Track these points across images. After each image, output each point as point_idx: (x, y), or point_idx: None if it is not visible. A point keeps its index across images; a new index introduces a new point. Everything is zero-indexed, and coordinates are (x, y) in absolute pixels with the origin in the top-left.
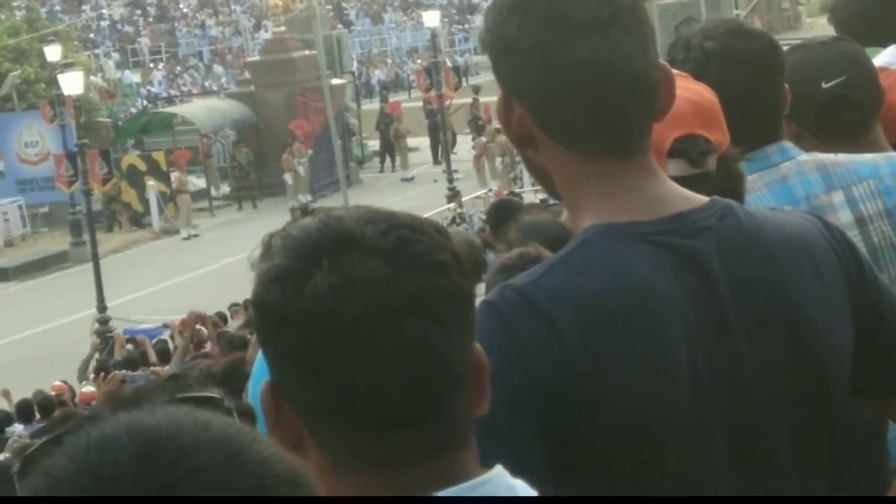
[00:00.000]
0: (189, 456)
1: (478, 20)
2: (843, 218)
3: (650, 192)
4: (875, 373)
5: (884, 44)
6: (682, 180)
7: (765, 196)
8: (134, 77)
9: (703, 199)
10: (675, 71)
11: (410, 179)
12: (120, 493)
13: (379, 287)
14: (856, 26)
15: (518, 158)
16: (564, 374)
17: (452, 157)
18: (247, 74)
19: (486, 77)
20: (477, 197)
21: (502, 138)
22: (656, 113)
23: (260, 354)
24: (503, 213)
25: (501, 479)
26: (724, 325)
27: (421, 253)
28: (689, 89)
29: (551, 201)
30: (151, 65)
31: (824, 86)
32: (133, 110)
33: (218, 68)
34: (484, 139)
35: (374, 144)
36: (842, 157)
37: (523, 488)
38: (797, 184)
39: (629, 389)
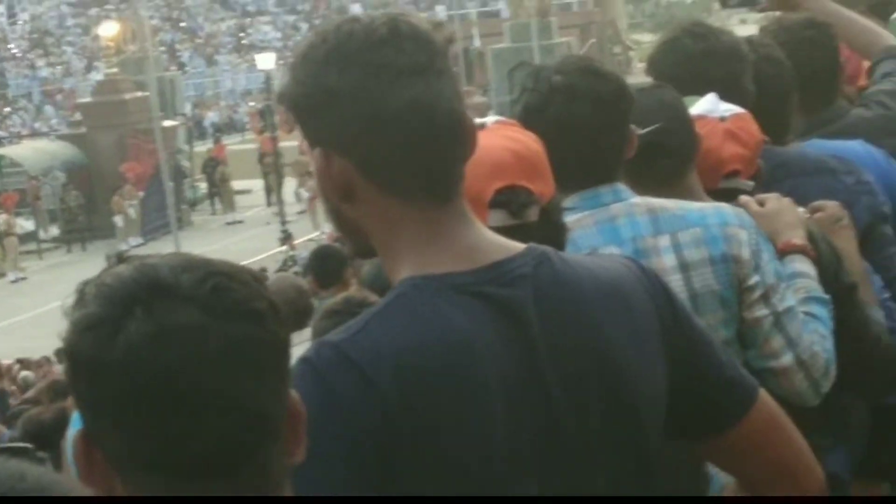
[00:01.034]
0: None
1: None
2: (668, 262)
3: (466, 240)
4: (689, 416)
5: (703, 93)
6: (502, 231)
7: (592, 234)
8: None
9: (520, 246)
10: (502, 119)
11: (239, 223)
12: None
13: (194, 336)
14: (674, 77)
15: None
16: (384, 432)
17: (286, 199)
18: (78, 116)
19: None
20: (310, 239)
21: None
22: (468, 157)
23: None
24: (324, 260)
25: None
26: (540, 376)
27: (237, 302)
28: (513, 139)
29: None
30: None
31: (640, 132)
32: None
33: (48, 109)
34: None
35: (205, 187)
36: (671, 203)
37: None
38: (625, 225)
39: (447, 446)
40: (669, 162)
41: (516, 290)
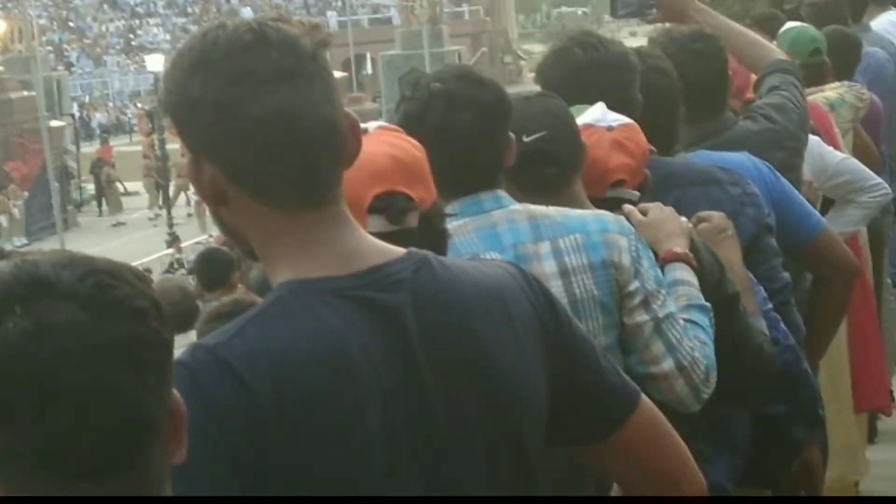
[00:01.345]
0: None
1: None
2: (548, 268)
3: (344, 244)
4: (571, 421)
5: (591, 103)
6: (382, 236)
7: (472, 240)
8: None
9: (400, 251)
10: (385, 125)
11: (124, 224)
12: None
13: (74, 334)
14: (563, 87)
15: None
16: (258, 434)
17: (175, 202)
18: None
19: None
20: (198, 242)
21: None
22: (346, 161)
23: None
24: (210, 263)
25: None
26: (418, 380)
27: (119, 300)
28: (393, 145)
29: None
30: None
31: (525, 139)
32: None
33: None
34: None
35: (92, 188)
36: (552, 210)
37: None
38: (506, 231)
39: (322, 448)
40: (555, 170)
41: (394, 294)
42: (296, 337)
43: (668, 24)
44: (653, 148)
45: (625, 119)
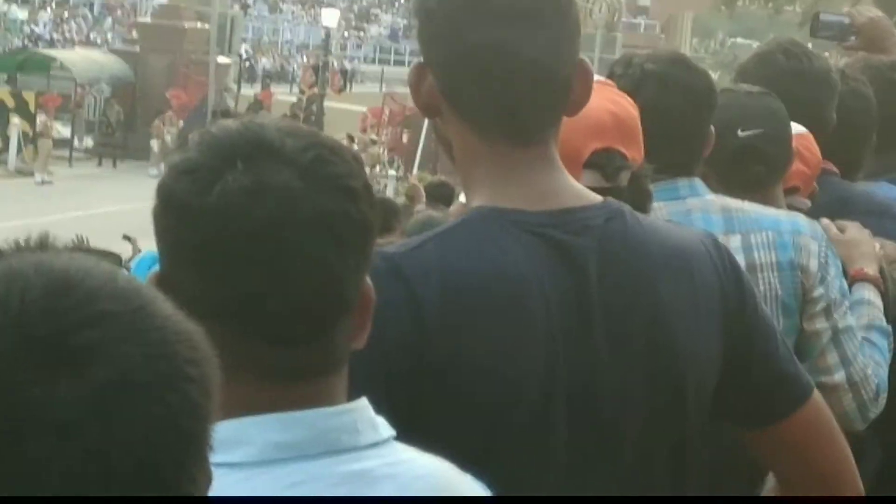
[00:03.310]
0: (98, 300)
1: (373, 30)
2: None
3: (543, 183)
4: (739, 402)
5: (786, 111)
6: (593, 191)
7: None
8: (20, 14)
9: (597, 198)
10: (603, 79)
11: None
12: (26, 327)
13: (288, 199)
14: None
15: (385, 172)
16: (419, 346)
17: None
18: (134, 34)
19: (373, 88)
20: None
21: (374, 150)
22: (566, 107)
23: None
24: (385, 208)
25: (365, 412)
26: (588, 325)
27: (335, 176)
28: (614, 101)
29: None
30: (40, 5)
31: (740, 134)
32: (13, 45)
33: (107, 22)
34: (356, 147)
35: None
36: (747, 205)
37: (384, 426)
38: (698, 220)
39: (479, 374)
40: (763, 169)
41: (581, 238)
42: (474, 260)
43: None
44: (835, 170)
45: (801, 128)
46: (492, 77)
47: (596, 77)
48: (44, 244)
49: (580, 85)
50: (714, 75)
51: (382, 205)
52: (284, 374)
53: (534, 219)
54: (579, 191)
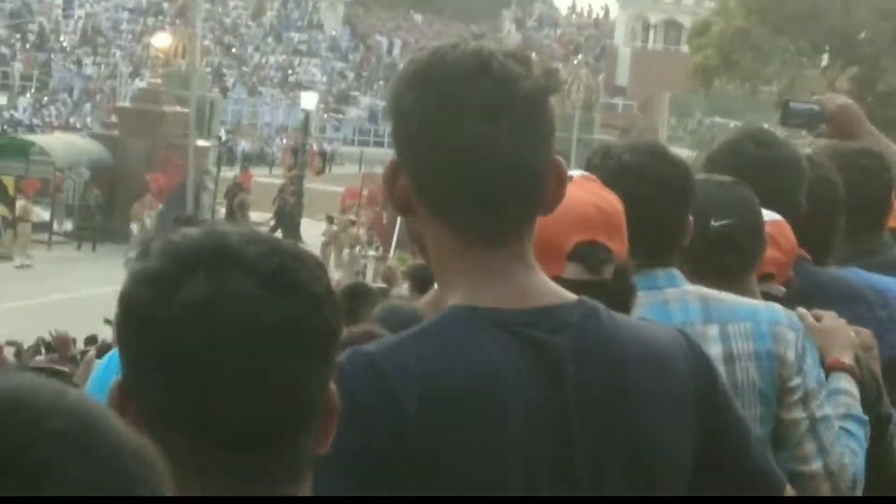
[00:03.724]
0: (46, 419)
1: (352, 112)
2: (714, 351)
3: (518, 282)
4: (709, 492)
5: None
6: (576, 285)
7: (644, 315)
8: (0, 99)
9: (571, 296)
10: (587, 175)
11: None
12: None
13: (251, 307)
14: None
15: (365, 253)
16: (398, 447)
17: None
18: (114, 118)
19: (352, 169)
20: None
21: (353, 231)
22: (540, 206)
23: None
24: (355, 297)
25: None
26: (566, 423)
27: (298, 282)
28: (598, 195)
29: (393, 290)
30: (20, 91)
31: (714, 224)
32: None
33: (86, 107)
34: (336, 228)
35: (224, 212)
36: (724, 295)
37: None
38: (676, 310)
39: (459, 475)
40: (737, 258)
41: (558, 337)
42: (452, 360)
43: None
44: (807, 255)
45: (775, 215)
46: (466, 178)
47: (579, 172)
48: None
49: (555, 183)
50: (692, 154)
51: (354, 290)
52: (248, 480)
53: (510, 317)
54: (554, 289)
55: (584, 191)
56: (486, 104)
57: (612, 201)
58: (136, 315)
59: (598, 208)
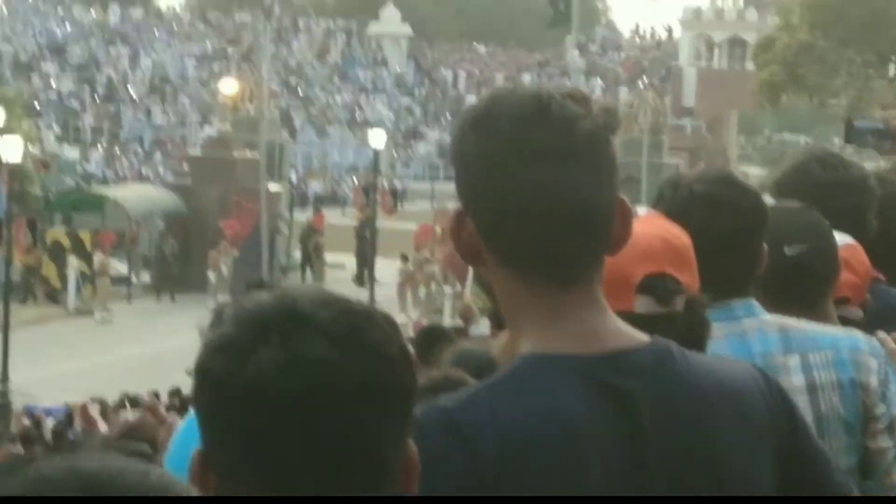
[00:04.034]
0: (131, 500)
1: (421, 148)
2: (796, 381)
3: (590, 324)
4: None
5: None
6: (647, 319)
7: (721, 346)
8: (72, 153)
9: (644, 337)
10: (650, 211)
11: None
12: None
13: (324, 371)
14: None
15: (442, 291)
16: (479, 501)
17: (379, 279)
18: (185, 167)
19: (424, 205)
20: None
21: (429, 268)
22: (607, 246)
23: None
24: (431, 340)
25: None
26: (644, 469)
27: (371, 343)
28: (664, 228)
29: (471, 329)
30: (91, 143)
31: (787, 252)
32: (66, 185)
33: (157, 156)
34: (411, 267)
35: (299, 254)
36: (804, 324)
37: None
38: (756, 340)
39: None
40: (812, 284)
41: (632, 380)
42: (527, 411)
43: None
44: (881, 276)
45: (847, 238)
46: (532, 221)
47: (644, 210)
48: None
49: (620, 223)
50: (763, 171)
51: (430, 333)
52: None
53: (583, 363)
54: (626, 331)
55: (649, 225)
56: (548, 146)
57: (678, 234)
58: (211, 384)
59: (664, 241)
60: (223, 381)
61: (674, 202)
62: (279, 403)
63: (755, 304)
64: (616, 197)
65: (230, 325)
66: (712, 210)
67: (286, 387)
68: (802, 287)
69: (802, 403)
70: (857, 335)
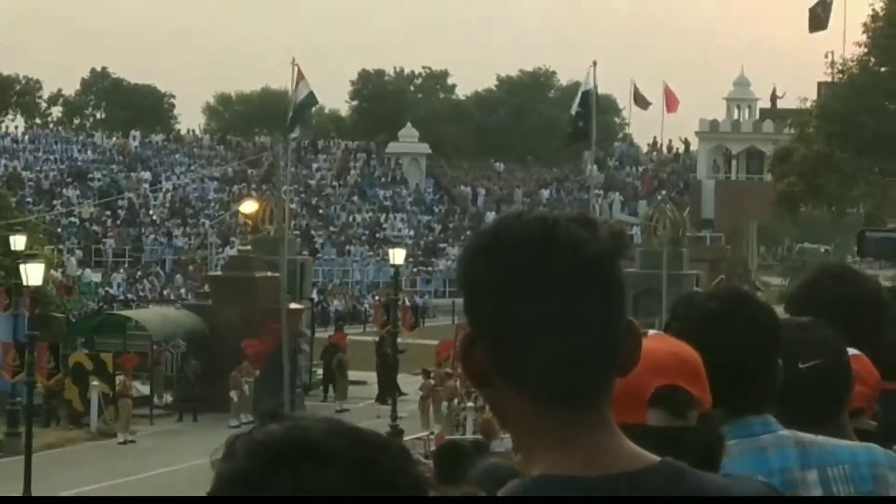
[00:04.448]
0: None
1: (441, 263)
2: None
3: (598, 446)
4: None
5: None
6: (660, 433)
7: (740, 463)
8: (94, 277)
9: (655, 459)
10: (660, 333)
11: (345, 411)
12: None
13: (334, 502)
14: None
15: (464, 405)
16: None
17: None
18: (206, 288)
19: (445, 320)
20: (418, 438)
21: (451, 383)
22: (616, 368)
23: None
24: (450, 457)
25: None
26: None
27: (383, 474)
28: (674, 344)
29: (493, 443)
30: (113, 267)
31: (801, 367)
32: (89, 308)
33: (178, 278)
34: (433, 381)
35: (321, 373)
36: (821, 439)
37: None
38: (774, 456)
39: None
40: (827, 398)
41: (643, 502)
42: None
43: None
44: (892, 386)
45: (854, 350)
46: (540, 346)
47: (653, 331)
48: None
49: (630, 344)
50: (783, 280)
51: (448, 451)
52: None
53: (594, 486)
54: (637, 452)
55: (659, 342)
56: (554, 271)
57: (688, 350)
58: None
59: (675, 355)
60: None
61: (688, 320)
62: None
63: (772, 420)
64: (625, 318)
65: (241, 459)
66: (729, 327)
67: None
68: (818, 401)
69: None
70: (875, 449)
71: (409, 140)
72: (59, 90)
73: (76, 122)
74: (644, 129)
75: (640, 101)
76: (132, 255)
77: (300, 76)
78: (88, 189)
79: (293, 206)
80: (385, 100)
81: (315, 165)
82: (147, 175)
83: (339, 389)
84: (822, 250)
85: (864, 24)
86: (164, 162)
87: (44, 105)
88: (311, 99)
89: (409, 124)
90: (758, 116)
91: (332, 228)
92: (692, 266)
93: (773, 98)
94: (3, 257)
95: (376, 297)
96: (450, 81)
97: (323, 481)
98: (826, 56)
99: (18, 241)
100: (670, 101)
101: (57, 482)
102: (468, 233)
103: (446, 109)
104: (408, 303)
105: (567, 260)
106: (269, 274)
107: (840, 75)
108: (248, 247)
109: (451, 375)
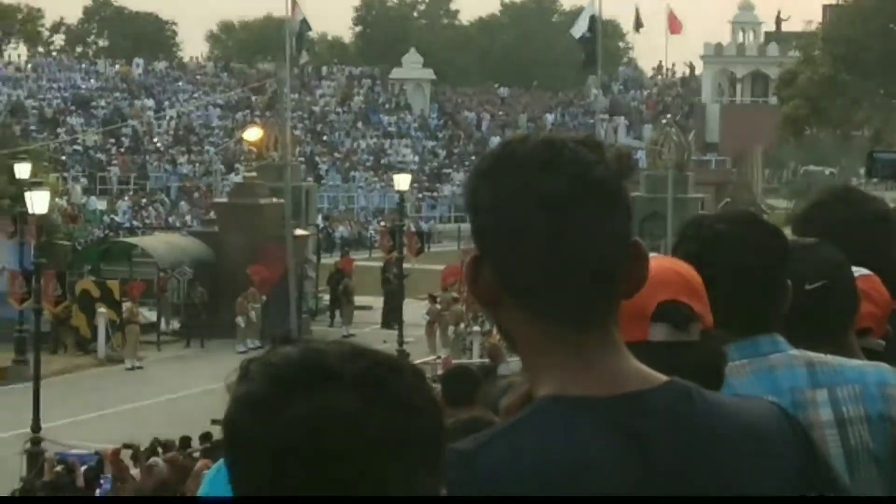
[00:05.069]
0: None
1: (446, 189)
2: (824, 416)
3: (607, 366)
4: None
5: (848, 257)
6: (664, 348)
7: (750, 382)
8: (99, 204)
9: (662, 378)
10: (654, 253)
11: (351, 336)
12: None
13: (351, 424)
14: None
15: (470, 329)
16: None
17: (406, 320)
18: (212, 215)
19: (450, 246)
20: (425, 363)
21: (457, 307)
22: (622, 288)
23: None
24: (457, 380)
25: None
26: None
27: (398, 394)
28: (675, 262)
29: (499, 367)
30: (118, 194)
31: (807, 287)
32: (94, 236)
33: (184, 205)
34: (439, 306)
35: (327, 298)
36: (830, 358)
37: None
38: (784, 376)
39: None
40: (833, 318)
41: (650, 422)
42: (546, 453)
43: None
44: None
45: (864, 270)
46: (547, 266)
47: (655, 254)
48: None
49: (636, 266)
50: (789, 203)
51: (462, 377)
52: None
53: (602, 405)
54: (644, 373)
55: (661, 259)
56: (561, 192)
57: (687, 267)
58: (240, 439)
59: (676, 273)
60: (252, 438)
61: (697, 241)
62: (308, 459)
63: (781, 340)
64: (631, 240)
65: (257, 382)
66: (736, 248)
67: (314, 442)
68: (824, 321)
69: (831, 437)
70: (884, 368)
71: (413, 66)
72: (62, 18)
73: (79, 50)
74: (649, 53)
75: (636, 22)
76: (137, 183)
77: (294, 3)
78: (92, 117)
79: (297, 132)
80: (388, 26)
81: (319, 92)
82: (151, 102)
83: (346, 315)
84: (827, 173)
85: None
86: (167, 89)
87: (46, 33)
88: (304, 26)
89: (412, 50)
90: (763, 39)
91: (336, 155)
92: (697, 190)
93: (778, 21)
94: (8, 185)
95: (381, 223)
96: (453, 7)
97: (338, 402)
98: None
99: (23, 170)
100: (673, 24)
101: (65, 409)
102: (473, 158)
103: (450, 35)
104: (413, 228)
105: (574, 181)
106: (275, 200)
107: None
108: (254, 173)
109: (457, 300)
